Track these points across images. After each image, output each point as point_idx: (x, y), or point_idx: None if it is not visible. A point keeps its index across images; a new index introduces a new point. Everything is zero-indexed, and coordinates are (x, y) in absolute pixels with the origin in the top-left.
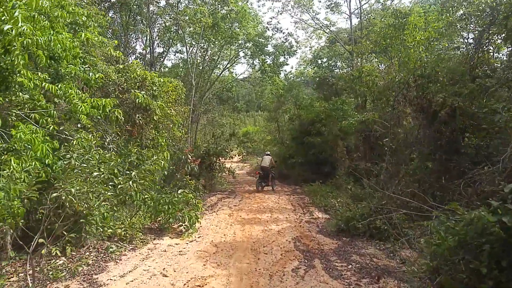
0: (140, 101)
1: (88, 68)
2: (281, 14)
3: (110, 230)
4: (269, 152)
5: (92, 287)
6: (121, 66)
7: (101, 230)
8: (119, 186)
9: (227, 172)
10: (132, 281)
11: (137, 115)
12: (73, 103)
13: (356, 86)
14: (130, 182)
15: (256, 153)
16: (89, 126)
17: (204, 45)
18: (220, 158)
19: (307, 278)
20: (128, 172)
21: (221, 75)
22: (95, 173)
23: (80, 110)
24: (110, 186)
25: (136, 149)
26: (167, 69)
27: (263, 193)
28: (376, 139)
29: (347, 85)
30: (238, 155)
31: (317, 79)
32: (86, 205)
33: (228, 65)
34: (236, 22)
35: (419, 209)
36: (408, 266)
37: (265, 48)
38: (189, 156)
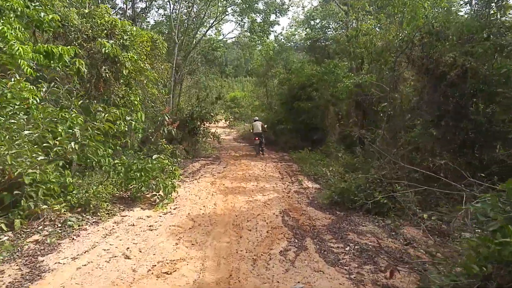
0: (107, 51)
1: (40, 7)
2: None
3: (56, 204)
4: (257, 118)
5: (32, 273)
6: (86, 11)
7: (43, 200)
8: (55, 149)
9: (212, 137)
10: (85, 265)
11: (104, 67)
12: (9, 44)
13: (351, 48)
14: (72, 144)
15: (243, 119)
16: (31, 75)
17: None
18: (205, 122)
19: (298, 264)
20: (70, 131)
21: (208, 34)
22: (26, 132)
23: (18, 53)
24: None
25: (101, 107)
26: (150, 26)
27: (249, 160)
28: (370, 104)
29: (341, 47)
30: (225, 121)
31: (309, 41)
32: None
33: (215, 23)
34: None
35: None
36: (416, 250)
37: (255, 5)
38: (167, 118)
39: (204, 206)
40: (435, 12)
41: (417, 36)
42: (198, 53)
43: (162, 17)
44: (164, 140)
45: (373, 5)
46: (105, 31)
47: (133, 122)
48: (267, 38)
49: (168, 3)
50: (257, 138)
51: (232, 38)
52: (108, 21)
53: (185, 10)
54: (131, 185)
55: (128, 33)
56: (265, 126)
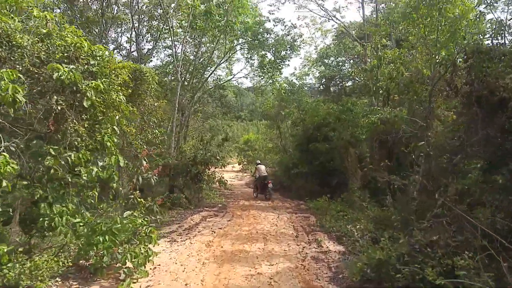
0: (61, 77)
1: None
2: (282, 4)
3: None
4: (259, 162)
5: None
6: (43, 31)
7: None
8: None
9: (217, 183)
10: None
11: (56, 97)
12: None
13: (370, 82)
14: None
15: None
16: None
17: (195, 37)
18: (209, 167)
19: None
20: None
21: (218, 75)
22: None
23: None
24: None
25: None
26: (156, 67)
27: (259, 210)
28: (396, 144)
29: (359, 83)
30: (239, 164)
31: (323, 80)
32: None
33: (224, 60)
34: (232, 11)
35: None
36: None
37: (265, 41)
38: (144, 163)
39: (186, 285)
40: (476, 30)
41: (460, 57)
42: (204, 92)
43: (168, 57)
44: (137, 192)
45: (391, 39)
46: (66, 54)
47: (94, 169)
48: (279, 75)
49: (173, 42)
50: (269, 182)
51: (242, 77)
52: (71, 44)
53: (193, 50)
54: (92, 253)
55: (98, 58)
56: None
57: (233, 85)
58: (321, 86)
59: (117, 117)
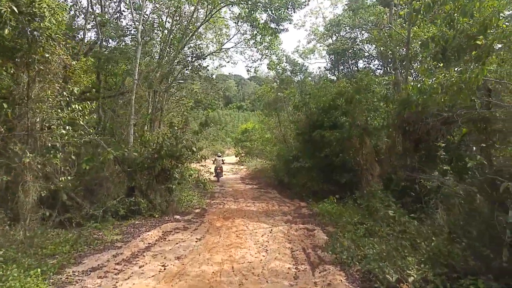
0: None
1: None
2: None
3: None
4: (220, 154)
5: None
6: None
7: None
8: None
9: (195, 181)
10: None
11: None
12: None
13: (397, 48)
14: None
15: (256, 154)
16: None
17: None
18: (182, 162)
19: None
20: None
21: (201, 46)
22: None
23: None
24: None
25: None
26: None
27: (246, 219)
28: (429, 132)
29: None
30: (236, 156)
31: (332, 55)
32: None
33: (205, 21)
34: None
35: None
36: None
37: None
38: None
39: None
40: None
41: None
42: (177, 62)
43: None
44: None
45: None
46: None
47: None
48: (278, 45)
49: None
50: (219, 168)
51: (231, 47)
52: None
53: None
54: None
55: None
56: (224, 160)
57: (229, 73)
58: (329, 64)
59: None
